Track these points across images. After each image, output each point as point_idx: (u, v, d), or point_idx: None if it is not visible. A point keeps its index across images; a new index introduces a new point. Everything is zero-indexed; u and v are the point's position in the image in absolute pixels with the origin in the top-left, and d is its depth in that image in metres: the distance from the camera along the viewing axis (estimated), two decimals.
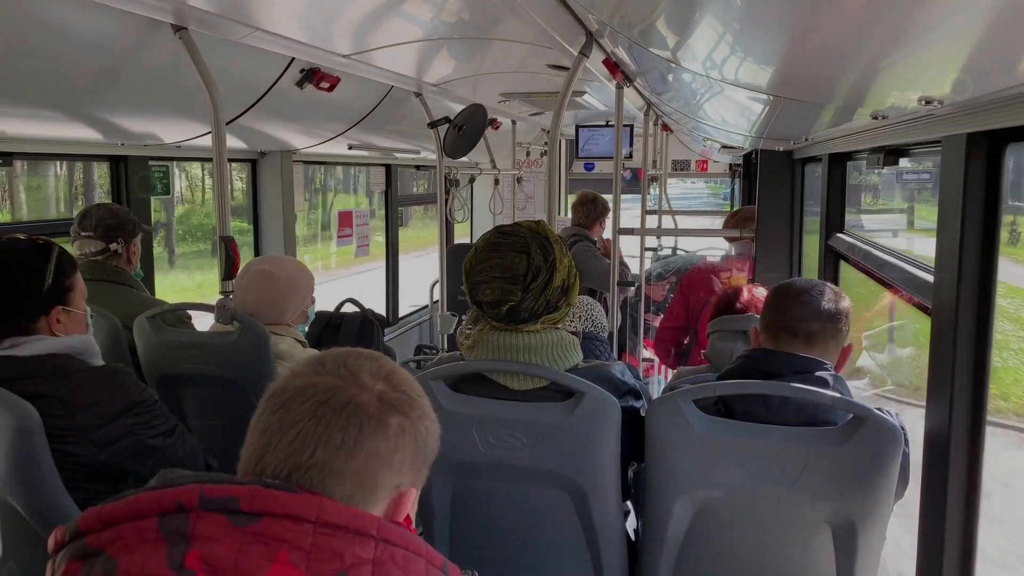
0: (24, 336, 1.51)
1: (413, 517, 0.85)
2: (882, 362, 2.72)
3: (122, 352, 2.21)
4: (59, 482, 1.44)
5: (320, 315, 2.63)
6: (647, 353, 4.76)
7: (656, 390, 4.72)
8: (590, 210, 4.35)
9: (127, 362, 2.19)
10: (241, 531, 0.70)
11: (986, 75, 1.05)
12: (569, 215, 6.11)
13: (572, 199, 4.56)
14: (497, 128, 4.50)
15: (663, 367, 4.85)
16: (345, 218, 4.52)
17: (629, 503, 1.69)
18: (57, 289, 1.54)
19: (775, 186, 3.30)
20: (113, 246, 2.35)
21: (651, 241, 5.84)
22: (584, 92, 3.57)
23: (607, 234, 4.32)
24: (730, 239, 3.82)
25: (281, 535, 0.70)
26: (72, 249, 2.32)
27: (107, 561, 0.70)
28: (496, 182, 5.28)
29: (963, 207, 1.37)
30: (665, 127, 5.06)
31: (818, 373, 1.52)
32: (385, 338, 3.16)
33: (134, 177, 2.89)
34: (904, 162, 1.94)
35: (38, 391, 1.44)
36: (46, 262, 1.54)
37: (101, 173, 2.91)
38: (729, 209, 6.96)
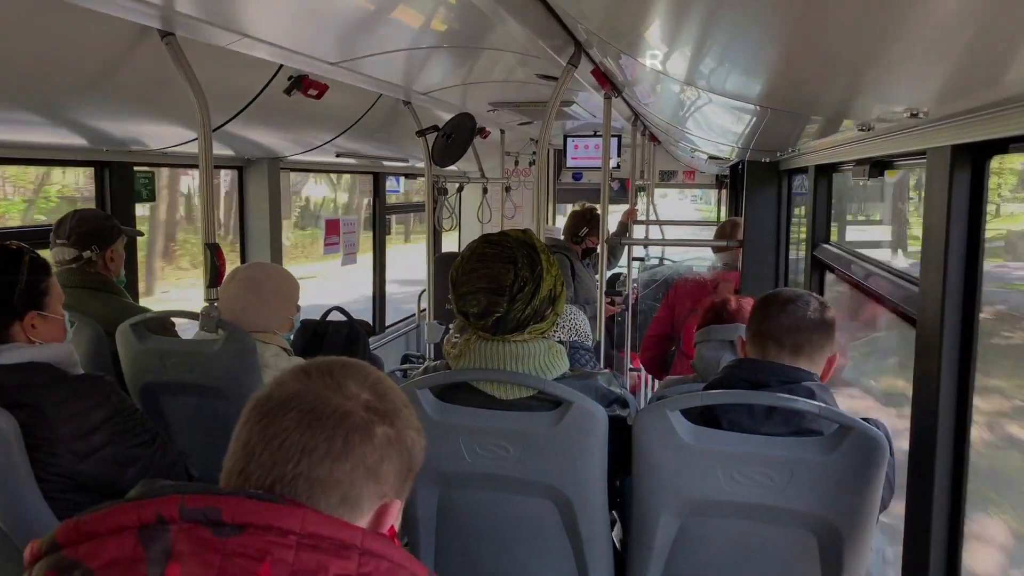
0: (0, 344, 1.48)
1: (398, 528, 0.84)
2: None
3: (104, 360, 2.18)
4: (37, 492, 1.42)
5: (306, 323, 2.61)
6: (633, 365, 4.76)
7: (643, 400, 4.73)
8: (569, 225, 4.34)
9: (109, 370, 2.16)
10: (223, 543, 0.69)
11: (970, 87, 1.06)
12: (558, 224, 6.11)
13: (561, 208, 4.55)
14: (486, 137, 4.51)
15: (649, 377, 4.85)
16: (332, 226, 4.50)
17: (614, 512, 1.68)
18: (30, 294, 1.51)
19: (761, 197, 3.32)
20: (87, 253, 2.31)
21: (638, 251, 5.87)
22: (572, 102, 3.59)
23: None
24: (716, 250, 3.84)
25: (264, 547, 0.69)
26: (49, 256, 2.29)
27: (85, 574, 0.69)
28: (484, 191, 5.28)
29: (948, 218, 1.38)
30: (653, 138, 5.09)
31: (804, 383, 1.52)
32: (372, 347, 3.14)
33: (118, 183, 2.86)
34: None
35: (17, 401, 1.42)
36: (17, 267, 1.50)
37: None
38: (717, 220, 7.00)
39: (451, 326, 1.62)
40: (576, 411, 1.44)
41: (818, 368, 1.61)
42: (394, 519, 0.82)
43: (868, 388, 2.62)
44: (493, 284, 1.46)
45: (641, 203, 5.73)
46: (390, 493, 0.81)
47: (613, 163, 4.86)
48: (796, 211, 3.29)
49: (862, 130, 1.58)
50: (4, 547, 1.44)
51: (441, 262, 4.08)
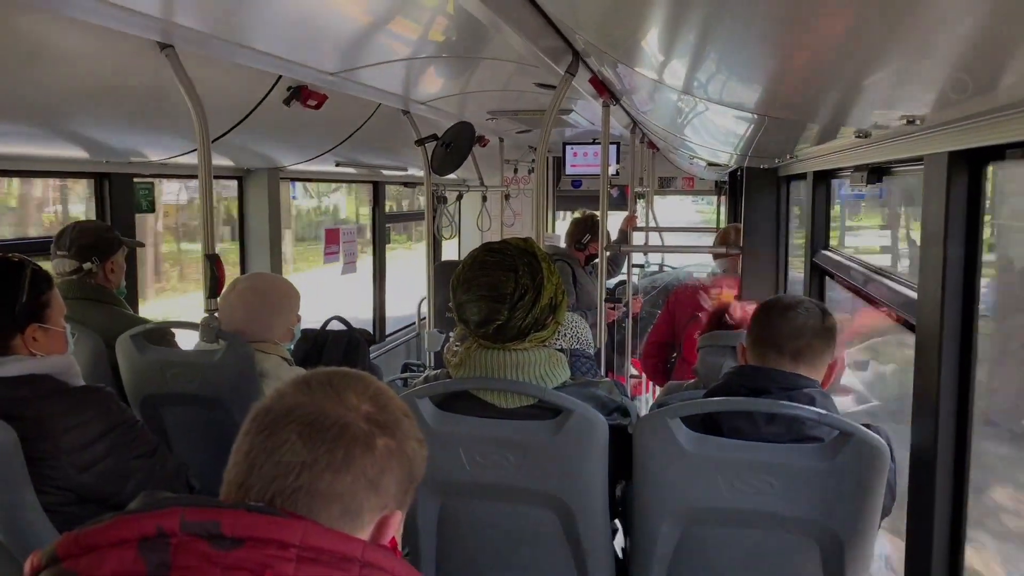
0: (1, 356, 1.49)
1: (399, 540, 0.84)
2: None
3: (104, 371, 2.18)
4: (37, 505, 1.42)
5: (306, 333, 2.61)
6: (634, 370, 4.76)
7: (644, 407, 4.72)
8: (571, 232, 4.36)
9: (109, 382, 2.16)
10: (223, 556, 0.69)
11: (966, 94, 1.07)
12: (557, 232, 6.11)
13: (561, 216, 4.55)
14: (485, 145, 4.52)
15: (650, 384, 4.85)
16: (332, 235, 4.50)
17: (617, 521, 1.68)
18: (31, 306, 1.51)
19: (760, 203, 3.33)
20: (87, 265, 2.31)
21: (638, 258, 5.87)
22: (571, 110, 3.60)
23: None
24: (716, 256, 3.84)
25: (264, 561, 0.69)
26: (50, 268, 2.30)
27: None
28: (484, 199, 5.29)
29: (945, 224, 1.38)
30: (651, 145, 5.10)
31: (805, 390, 1.52)
32: (372, 355, 3.14)
33: (118, 194, 2.87)
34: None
35: (17, 413, 1.42)
36: (19, 279, 1.51)
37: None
38: (717, 224, 7.01)
39: (452, 334, 1.62)
40: (576, 419, 1.44)
41: (819, 375, 1.61)
42: (395, 530, 0.82)
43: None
44: (493, 292, 1.46)
45: (641, 209, 5.74)
46: (391, 504, 0.81)
47: (612, 170, 4.87)
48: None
49: (859, 137, 1.58)
50: (3, 560, 1.44)
51: (441, 270, 4.09)
